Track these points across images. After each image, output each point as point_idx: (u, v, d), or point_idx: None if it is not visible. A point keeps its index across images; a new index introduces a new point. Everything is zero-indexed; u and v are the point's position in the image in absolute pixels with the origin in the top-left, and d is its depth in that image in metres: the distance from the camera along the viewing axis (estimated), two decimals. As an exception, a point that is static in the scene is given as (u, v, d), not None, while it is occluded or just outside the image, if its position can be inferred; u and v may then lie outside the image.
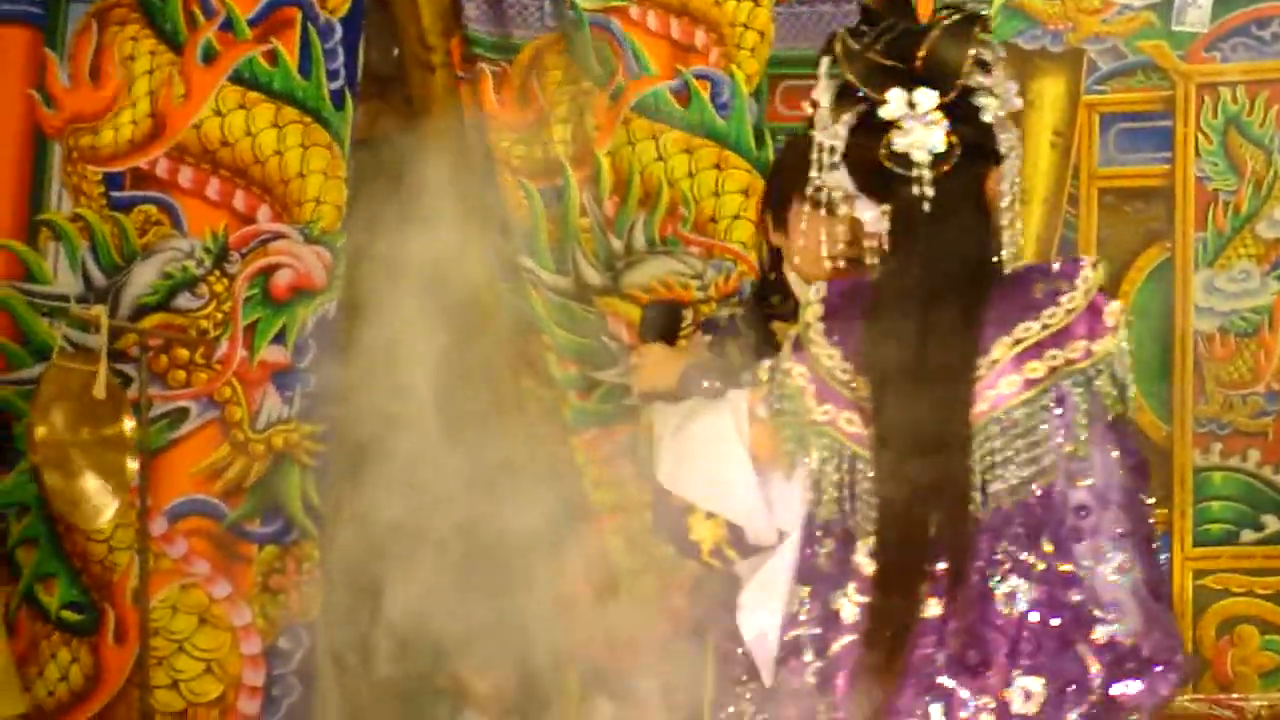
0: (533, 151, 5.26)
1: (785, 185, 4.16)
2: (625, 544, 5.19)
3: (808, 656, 3.38)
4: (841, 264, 4.08)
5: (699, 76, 5.26)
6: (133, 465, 4.97)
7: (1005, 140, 3.37)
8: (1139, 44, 5.24)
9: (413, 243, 5.22)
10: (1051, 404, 3.33)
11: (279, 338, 5.16)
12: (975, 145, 3.34)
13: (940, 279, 3.35)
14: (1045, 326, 3.36)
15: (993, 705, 3.28)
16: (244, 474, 5.14)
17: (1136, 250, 5.25)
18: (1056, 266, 3.46)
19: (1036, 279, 3.42)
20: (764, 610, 3.59)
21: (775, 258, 4.23)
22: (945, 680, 3.29)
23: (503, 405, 5.08)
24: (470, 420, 4.90)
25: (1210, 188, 5.27)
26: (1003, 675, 3.29)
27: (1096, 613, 3.28)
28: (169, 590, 5.11)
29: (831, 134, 3.37)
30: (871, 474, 3.34)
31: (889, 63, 3.30)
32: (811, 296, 3.47)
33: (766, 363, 3.55)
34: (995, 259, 3.40)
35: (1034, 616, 3.29)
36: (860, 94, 3.33)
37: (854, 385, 3.38)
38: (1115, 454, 3.36)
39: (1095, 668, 3.27)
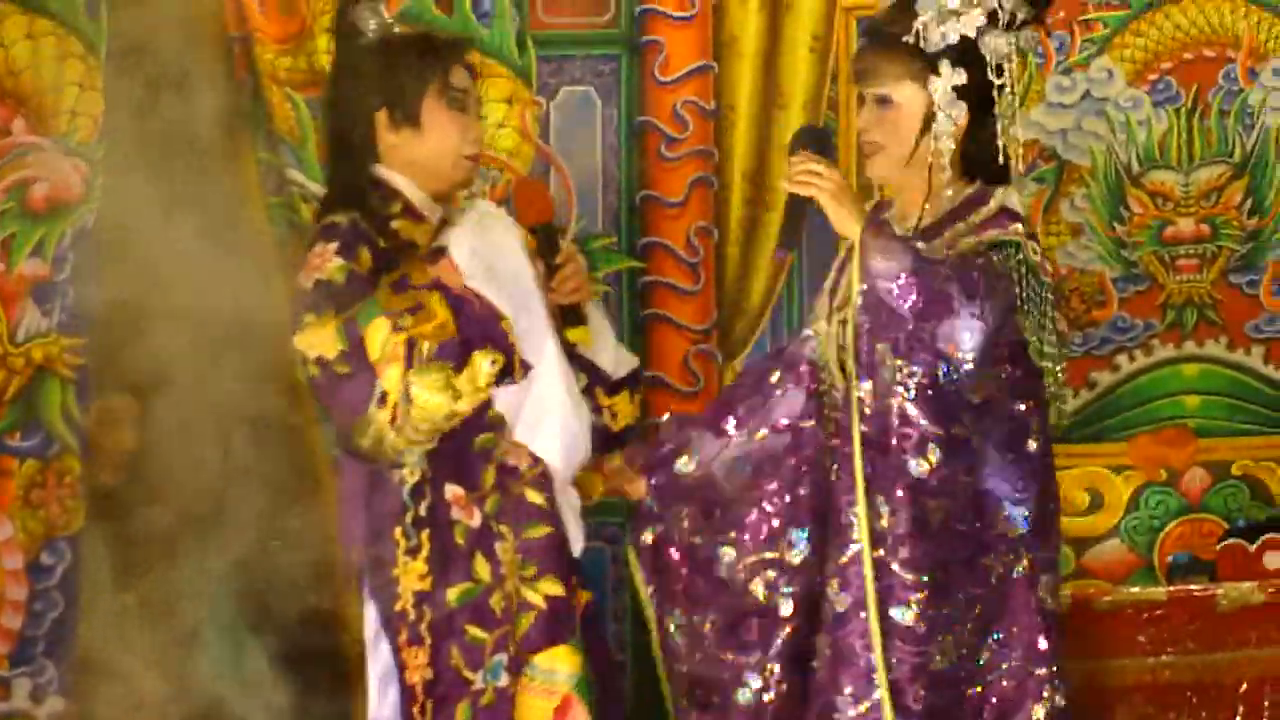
0: (298, 63, 5.22)
1: (413, 83, 4.15)
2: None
3: None
4: (472, 162, 4.17)
5: (461, -18, 5.27)
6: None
7: None
8: (893, -51, 5.31)
9: (174, 156, 5.14)
10: None
11: (37, 250, 5.03)
12: None
13: None
14: None
15: None
16: (3, 388, 4.99)
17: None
18: None
19: None
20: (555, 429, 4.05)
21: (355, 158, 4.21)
22: None
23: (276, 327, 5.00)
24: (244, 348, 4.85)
25: (963, 93, 5.33)
26: None
27: None
28: (-73, 505, 4.96)
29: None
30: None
31: None
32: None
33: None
34: None
35: None
36: None
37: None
38: None
39: None
